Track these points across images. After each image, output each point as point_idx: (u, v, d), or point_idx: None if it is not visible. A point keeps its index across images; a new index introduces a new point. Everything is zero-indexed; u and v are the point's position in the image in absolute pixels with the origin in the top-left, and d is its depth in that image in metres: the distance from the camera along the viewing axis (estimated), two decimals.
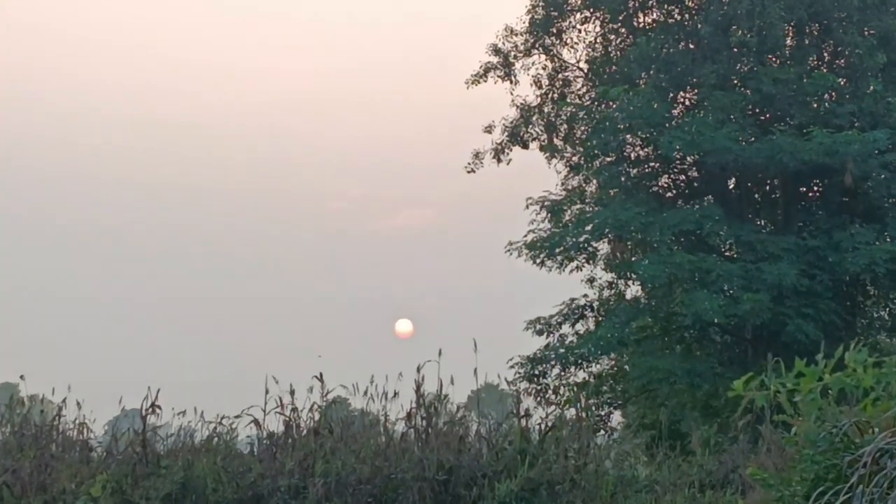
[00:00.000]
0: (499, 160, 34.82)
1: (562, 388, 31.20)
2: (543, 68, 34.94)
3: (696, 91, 31.59)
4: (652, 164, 32.50)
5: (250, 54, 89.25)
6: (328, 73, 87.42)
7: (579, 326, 33.15)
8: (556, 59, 34.97)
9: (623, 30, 33.28)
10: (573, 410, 19.81)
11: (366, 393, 18.74)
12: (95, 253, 79.30)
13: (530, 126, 34.68)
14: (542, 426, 18.55)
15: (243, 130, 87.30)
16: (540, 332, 32.65)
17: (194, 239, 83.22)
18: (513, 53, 34.54)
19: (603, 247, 32.56)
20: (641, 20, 32.93)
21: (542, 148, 34.78)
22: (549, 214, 32.11)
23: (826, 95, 30.53)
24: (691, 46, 31.40)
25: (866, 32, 30.44)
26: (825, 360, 9.04)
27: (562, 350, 31.38)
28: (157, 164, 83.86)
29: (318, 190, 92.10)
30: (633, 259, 31.98)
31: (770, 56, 31.18)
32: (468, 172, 35.17)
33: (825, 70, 30.86)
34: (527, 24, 34.31)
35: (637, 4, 32.69)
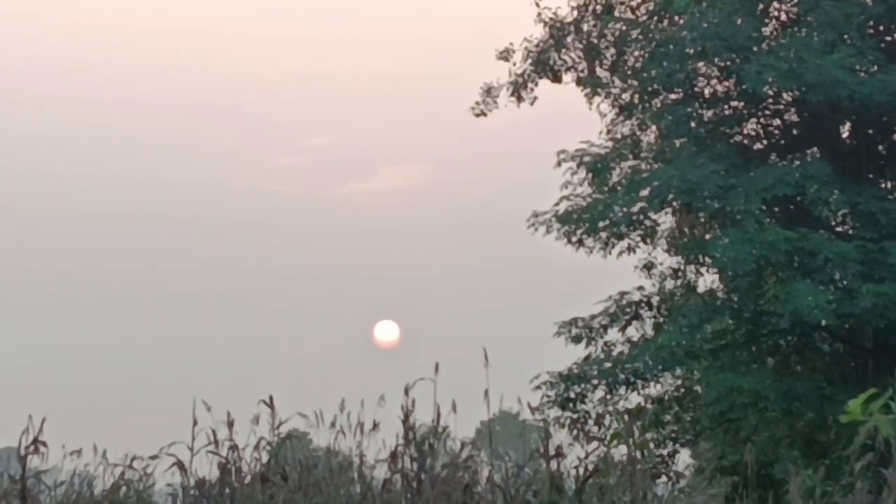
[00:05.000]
0: (519, 98, 34.89)
1: (608, 417, 31.34)
2: None
3: (795, 1, 31.61)
4: (734, 103, 32.56)
5: None
6: None
7: (632, 331, 33.33)
8: None
9: None
10: (623, 448, 19.91)
11: (333, 424, 18.79)
12: None
13: (564, 50, 34.72)
14: (581, 470, 18.63)
15: (155, 54, 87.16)
16: (577, 340, 32.79)
17: (92, 211, 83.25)
18: None
19: (665, 219, 32.72)
20: None
21: (579, 81, 34.82)
22: (591, 174, 32.21)
23: None
24: None
25: None
26: None
27: (608, 364, 31.51)
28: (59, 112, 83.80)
29: (264, 141, 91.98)
30: (706, 237, 32.07)
31: None
32: (476, 116, 35.28)
33: None
34: None
35: None
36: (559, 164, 32.39)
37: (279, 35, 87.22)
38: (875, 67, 29.90)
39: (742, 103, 32.48)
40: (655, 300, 33.94)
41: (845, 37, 30.19)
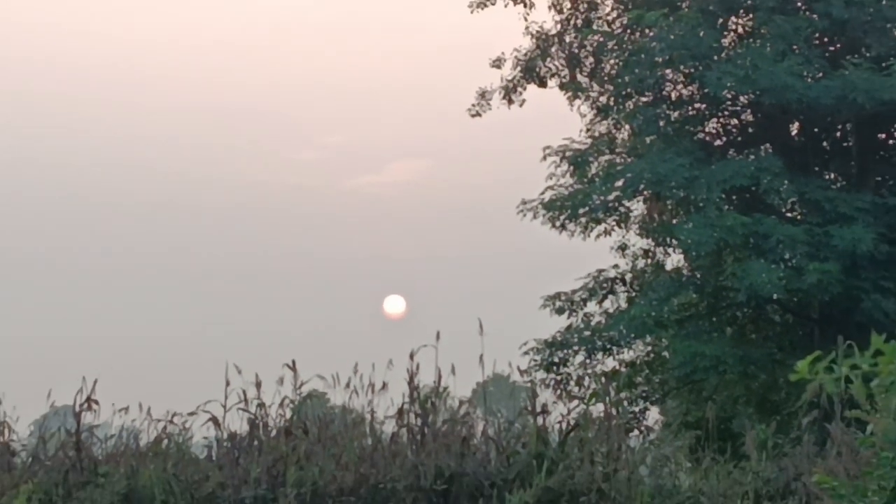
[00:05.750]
0: (510, 101, 34.79)
1: (587, 378, 31.33)
2: None
3: (751, 16, 31.52)
4: (697, 105, 32.47)
5: None
6: None
7: (608, 304, 33.30)
8: None
9: None
10: (601, 406, 19.85)
11: (348, 385, 18.79)
12: (17, 227, 79.29)
13: (548, 59, 34.61)
14: (563, 425, 18.60)
15: (194, 64, 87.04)
16: (560, 311, 32.76)
17: (135, 202, 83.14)
18: None
19: (637, 206, 32.66)
20: None
21: (562, 86, 34.72)
22: (572, 167, 32.11)
23: None
24: None
25: None
26: None
27: (587, 333, 31.47)
28: (99, 114, 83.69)
29: (287, 138, 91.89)
30: (673, 222, 31.99)
31: None
32: (472, 116, 35.17)
33: None
34: None
35: None
36: (544, 158, 32.32)
37: (301, 46, 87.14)
38: (820, 74, 29.80)
39: (704, 105, 32.40)
40: (628, 277, 33.93)
41: (794, 47, 30.07)
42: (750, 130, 33.00)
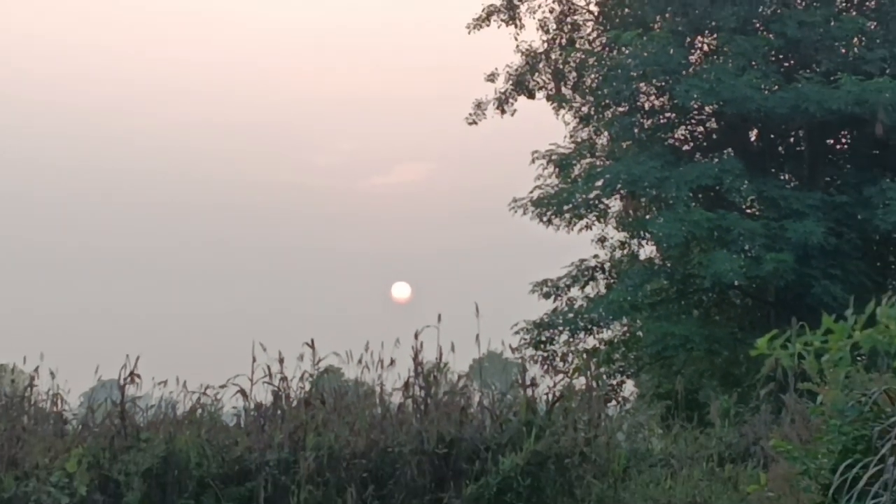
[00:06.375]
0: (503, 111, 34.78)
1: (570, 355, 31.28)
2: (550, 11, 34.87)
3: (715, 36, 31.45)
4: (667, 114, 32.40)
5: (230, 4, 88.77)
6: (317, 21, 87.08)
7: (589, 289, 33.26)
8: (564, 2, 34.83)
9: None
10: (583, 379, 19.80)
11: (360, 361, 18.71)
12: (68, 215, 79.19)
13: (536, 74, 34.61)
14: (550, 396, 18.54)
15: (225, 83, 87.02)
16: (547, 296, 32.74)
17: (174, 200, 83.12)
18: None
19: (614, 204, 32.59)
20: None
21: (549, 97, 34.72)
22: (557, 169, 32.08)
23: (855, 40, 30.38)
24: None
25: None
26: (855, 317, 8.97)
27: (570, 315, 31.43)
28: (139, 126, 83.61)
29: (308, 145, 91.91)
30: (646, 217, 31.95)
31: None
32: (469, 124, 35.22)
33: (854, 13, 30.68)
34: None
35: None
36: (533, 161, 32.31)
37: (321, 64, 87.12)
38: (776, 87, 29.73)
39: (674, 114, 32.34)
40: (607, 266, 33.89)
41: (753, 63, 30.01)
42: (714, 136, 32.95)
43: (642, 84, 31.24)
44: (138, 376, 18.30)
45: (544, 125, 35.49)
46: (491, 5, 34.41)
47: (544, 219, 31.28)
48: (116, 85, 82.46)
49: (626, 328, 33.35)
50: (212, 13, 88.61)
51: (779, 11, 30.43)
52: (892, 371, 10.00)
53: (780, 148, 33.04)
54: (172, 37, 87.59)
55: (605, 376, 30.42)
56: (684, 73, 30.22)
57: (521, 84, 34.57)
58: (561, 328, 31.42)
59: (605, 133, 33.19)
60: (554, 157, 32.18)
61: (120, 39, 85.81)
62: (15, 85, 79.55)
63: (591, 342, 32.17)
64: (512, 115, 34.72)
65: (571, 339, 31.65)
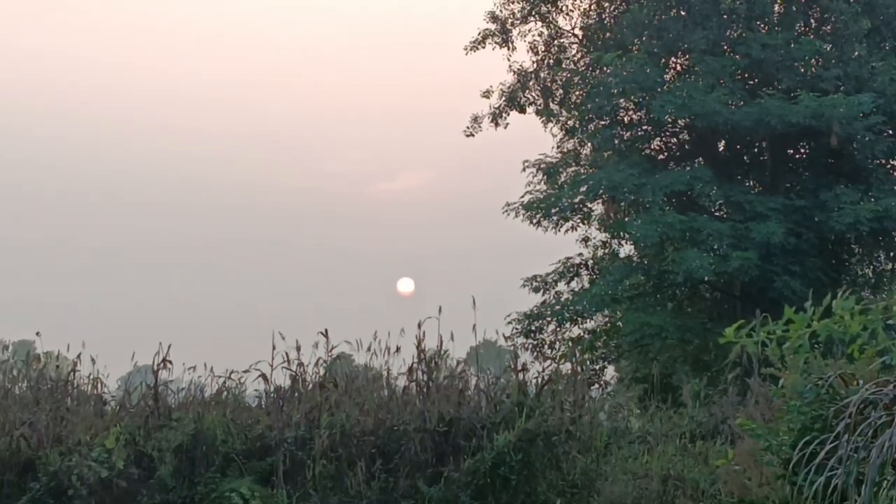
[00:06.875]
0: (497, 124, 34.78)
1: (557, 343, 31.29)
2: (539, 35, 34.86)
3: (687, 56, 31.45)
4: (644, 127, 32.41)
5: (242, 18, 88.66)
6: (327, 38, 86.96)
7: (574, 284, 33.26)
8: (551, 26, 34.86)
9: None
10: (568, 365, 19.88)
11: (369, 349, 18.78)
12: (106, 209, 79.10)
13: (527, 91, 34.60)
14: (539, 380, 18.59)
15: (240, 95, 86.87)
16: (536, 290, 32.75)
17: (197, 202, 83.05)
18: (510, 20, 34.46)
19: (597, 207, 32.59)
20: None
21: (538, 112, 34.71)
22: (546, 176, 32.07)
23: (812, 60, 30.38)
24: (682, 13, 31.22)
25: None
26: (813, 308, 9.04)
27: (557, 307, 31.44)
28: (162, 130, 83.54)
29: (321, 153, 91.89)
30: (626, 219, 31.95)
31: (758, 22, 31.06)
32: (467, 136, 35.18)
33: (812, 36, 30.72)
34: None
35: None
36: (524, 169, 32.29)
37: (333, 81, 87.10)
38: (742, 102, 29.72)
39: (650, 127, 32.34)
40: (590, 263, 33.85)
41: (721, 81, 30.02)
42: (686, 147, 32.95)
43: (622, 100, 31.24)
44: (170, 362, 18.36)
45: (534, 137, 35.51)
46: (486, 29, 34.42)
47: (534, 221, 31.29)
48: (165, 102, 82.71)
49: (607, 319, 33.32)
50: (238, 35, 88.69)
51: (744, 35, 30.42)
52: (846, 357, 10.07)
53: (745, 157, 33.06)
54: (196, 54, 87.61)
55: (588, 362, 30.42)
56: (659, 90, 30.25)
57: (514, 100, 34.57)
58: (549, 319, 31.44)
59: (589, 144, 33.20)
60: (542, 166, 32.18)
61: (152, 54, 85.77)
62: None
63: (576, 331, 32.19)
64: (505, 127, 34.76)
65: (558, 329, 31.67)
